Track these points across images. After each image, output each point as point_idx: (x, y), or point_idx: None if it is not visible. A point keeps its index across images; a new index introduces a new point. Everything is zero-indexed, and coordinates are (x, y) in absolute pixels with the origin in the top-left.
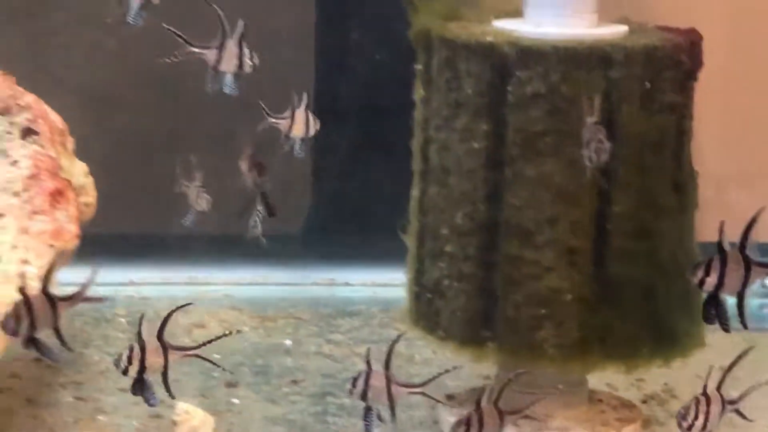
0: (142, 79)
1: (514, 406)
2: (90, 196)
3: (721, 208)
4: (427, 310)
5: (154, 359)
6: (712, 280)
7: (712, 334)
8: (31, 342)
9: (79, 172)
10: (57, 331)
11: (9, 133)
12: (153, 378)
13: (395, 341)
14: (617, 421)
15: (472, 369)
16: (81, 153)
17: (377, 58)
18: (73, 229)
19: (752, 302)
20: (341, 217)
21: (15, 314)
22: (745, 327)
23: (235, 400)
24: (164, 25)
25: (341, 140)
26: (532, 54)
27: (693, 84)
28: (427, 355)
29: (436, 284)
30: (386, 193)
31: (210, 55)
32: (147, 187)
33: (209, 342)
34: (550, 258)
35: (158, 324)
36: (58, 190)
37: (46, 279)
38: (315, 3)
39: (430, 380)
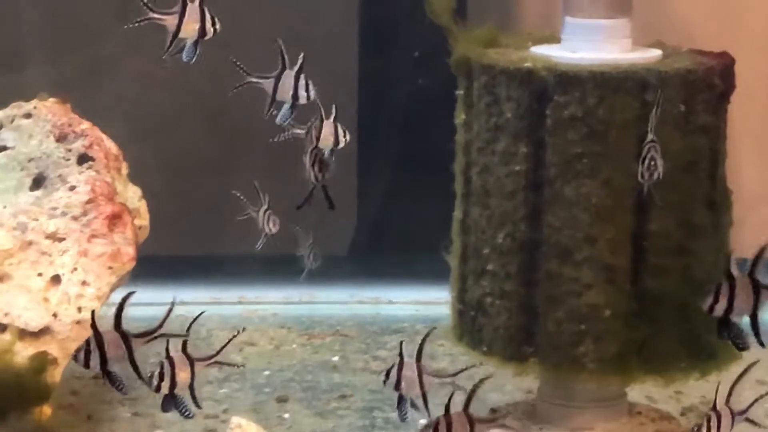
0: (193, 106)
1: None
2: (143, 219)
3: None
4: (470, 326)
5: (183, 373)
6: (720, 307)
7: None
8: (104, 374)
9: (133, 195)
10: (133, 365)
11: (66, 159)
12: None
13: (426, 335)
14: None
15: (516, 383)
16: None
17: (420, 83)
18: (130, 251)
19: None
20: (385, 237)
21: (86, 349)
22: (762, 345)
23: (286, 415)
24: (232, 59)
25: (385, 161)
26: (569, 79)
27: (726, 106)
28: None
29: (479, 302)
30: (428, 214)
31: (268, 84)
32: (197, 210)
33: (224, 347)
34: (589, 275)
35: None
36: (115, 214)
37: (119, 315)
38: (358, 29)
39: (461, 370)
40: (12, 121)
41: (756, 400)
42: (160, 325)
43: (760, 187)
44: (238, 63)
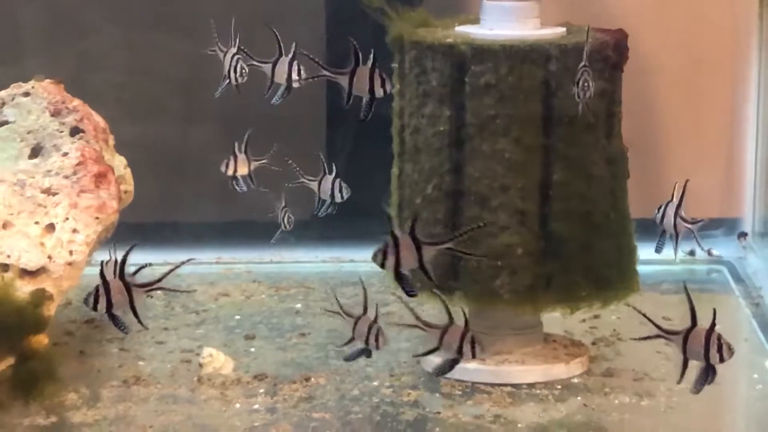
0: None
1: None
2: (128, 185)
3: None
4: None
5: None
6: (390, 261)
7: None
8: (109, 317)
9: (119, 164)
10: (133, 311)
11: (60, 131)
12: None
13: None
14: (567, 356)
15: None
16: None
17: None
18: (114, 204)
19: (701, 267)
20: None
21: (95, 295)
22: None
23: (252, 349)
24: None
25: (350, 141)
26: (483, 51)
27: (620, 74)
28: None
29: None
30: (383, 182)
31: (267, 68)
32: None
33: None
34: (503, 219)
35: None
36: (101, 173)
37: (122, 267)
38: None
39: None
40: (13, 99)
41: None
42: (161, 279)
43: None
44: (245, 49)
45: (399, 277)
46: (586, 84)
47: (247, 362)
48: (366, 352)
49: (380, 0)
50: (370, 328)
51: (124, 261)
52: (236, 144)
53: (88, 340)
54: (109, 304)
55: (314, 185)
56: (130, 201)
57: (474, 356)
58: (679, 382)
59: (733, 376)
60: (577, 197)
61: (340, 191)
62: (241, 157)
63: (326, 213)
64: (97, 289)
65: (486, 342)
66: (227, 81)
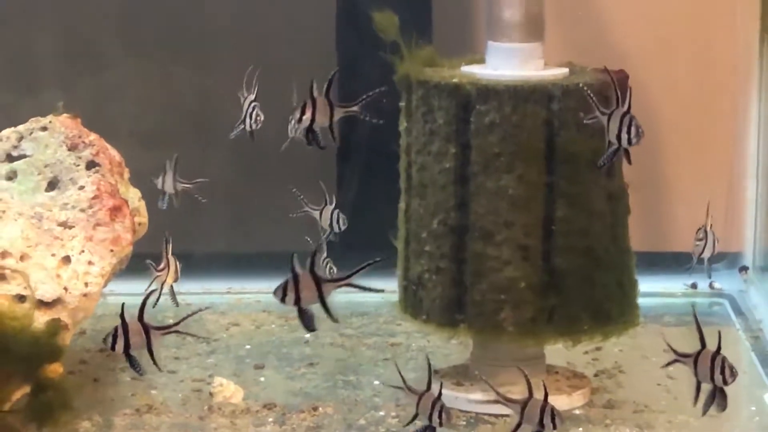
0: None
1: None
2: (143, 217)
3: None
4: (413, 299)
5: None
6: (290, 298)
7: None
8: (126, 357)
9: (133, 196)
10: (150, 353)
11: (77, 165)
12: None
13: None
14: (569, 387)
15: (461, 353)
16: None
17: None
18: (128, 237)
19: (702, 300)
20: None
21: (113, 335)
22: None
23: (262, 378)
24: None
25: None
26: (488, 91)
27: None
28: (422, 344)
29: (419, 278)
30: (391, 215)
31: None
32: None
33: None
34: (507, 254)
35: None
36: (116, 207)
37: (141, 310)
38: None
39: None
40: (31, 133)
41: None
42: (179, 323)
43: None
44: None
45: (300, 313)
46: (639, 129)
47: (256, 391)
48: (430, 430)
49: (395, 33)
50: (434, 405)
51: (143, 304)
52: (167, 162)
53: (102, 368)
54: (127, 345)
55: (316, 214)
56: (144, 232)
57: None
58: (695, 405)
59: (732, 408)
60: (579, 233)
61: (338, 222)
62: (169, 176)
63: (327, 241)
64: (116, 329)
65: (490, 373)
66: (242, 126)
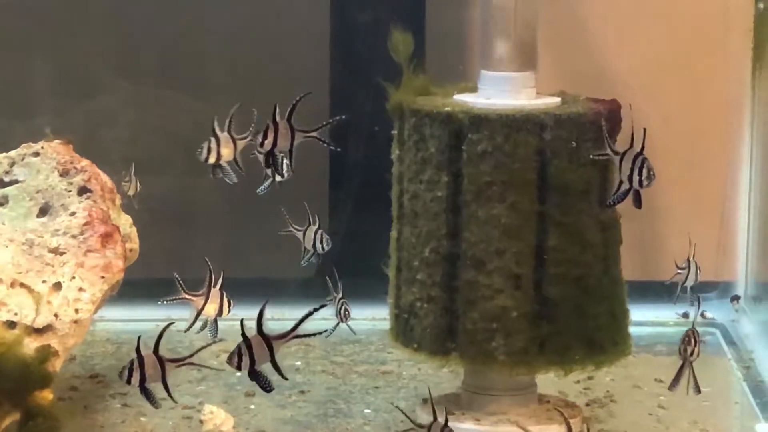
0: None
1: (477, 407)
2: (134, 243)
3: None
4: (404, 327)
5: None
6: (245, 363)
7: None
8: (141, 390)
9: (124, 222)
10: (165, 386)
11: (68, 191)
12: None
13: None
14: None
15: (451, 382)
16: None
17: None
18: (120, 264)
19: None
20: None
21: (129, 368)
22: (285, 379)
23: (252, 406)
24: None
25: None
26: (480, 120)
27: (613, 143)
28: (413, 373)
29: (410, 306)
30: (383, 244)
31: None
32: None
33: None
34: (499, 282)
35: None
36: (108, 233)
37: (157, 343)
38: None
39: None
40: (23, 159)
41: None
42: (192, 355)
43: None
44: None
45: (254, 375)
46: (651, 172)
47: (247, 419)
48: None
49: (407, 56)
50: None
51: (159, 338)
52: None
53: (92, 395)
54: (143, 378)
55: (300, 235)
56: (135, 258)
57: None
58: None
59: None
60: (571, 262)
61: (321, 242)
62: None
63: (308, 263)
64: (131, 362)
65: (481, 402)
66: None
